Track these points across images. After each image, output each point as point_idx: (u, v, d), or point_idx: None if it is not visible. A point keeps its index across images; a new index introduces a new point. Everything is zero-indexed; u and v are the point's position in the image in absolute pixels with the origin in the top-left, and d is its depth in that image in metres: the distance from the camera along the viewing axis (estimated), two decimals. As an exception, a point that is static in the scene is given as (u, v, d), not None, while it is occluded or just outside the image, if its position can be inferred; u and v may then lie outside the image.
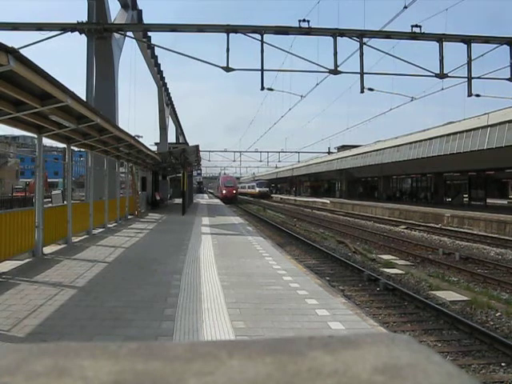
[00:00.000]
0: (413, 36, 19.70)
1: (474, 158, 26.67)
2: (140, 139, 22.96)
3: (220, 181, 63.95)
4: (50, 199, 20.94)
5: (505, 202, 38.39)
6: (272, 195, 75.96)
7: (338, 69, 19.46)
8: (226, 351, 0.44)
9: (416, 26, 19.38)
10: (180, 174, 28.06)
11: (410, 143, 32.96)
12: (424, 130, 32.15)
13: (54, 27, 18.98)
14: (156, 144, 37.33)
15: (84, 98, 12.53)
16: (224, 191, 55.63)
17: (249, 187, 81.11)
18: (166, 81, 36.85)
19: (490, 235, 19.30)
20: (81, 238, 12.97)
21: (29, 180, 40.40)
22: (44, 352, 0.44)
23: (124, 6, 22.72)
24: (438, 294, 9.29)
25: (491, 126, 23.36)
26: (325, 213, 37.10)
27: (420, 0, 21.38)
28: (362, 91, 19.85)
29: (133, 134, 16.37)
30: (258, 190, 72.69)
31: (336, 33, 19.41)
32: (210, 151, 76.12)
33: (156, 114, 38.68)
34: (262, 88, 19.66)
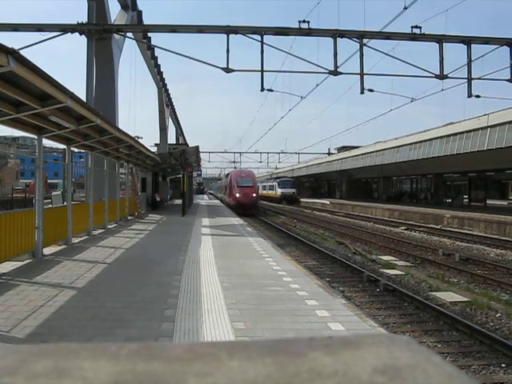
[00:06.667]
0: (413, 37, 19.71)
1: (474, 158, 26.69)
2: (140, 140, 22.96)
3: (230, 178, 38.22)
4: (50, 200, 20.98)
5: (505, 202, 38.42)
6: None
7: (338, 70, 19.48)
8: (226, 352, 0.44)
9: (416, 26, 19.41)
10: (180, 175, 28.06)
11: (410, 144, 32.99)
12: (424, 131, 32.18)
13: (54, 28, 19.00)
14: (156, 145, 37.39)
15: (84, 99, 12.54)
16: (238, 194, 34.47)
17: (264, 188, 59.41)
18: (165, 82, 36.90)
19: (490, 236, 19.30)
20: (81, 239, 12.96)
21: (29, 181, 40.43)
22: (44, 353, 0.45)
23: (124, 6, 22.75)
24: (438, 294, 9.28)
25: (491, 126, 23.38)
26: (325, 214, 37.07)
27: (420, 1, 21.42)
28: (362, 92, 19.87)
29: (133, 135, 16.39)
30: (280, 191, 52.42)
31: (336, 34, 19.42)
32: (210, 152, 75.48)
33: (156, 115, 38.79)
34: (262, 89, 19.68)
